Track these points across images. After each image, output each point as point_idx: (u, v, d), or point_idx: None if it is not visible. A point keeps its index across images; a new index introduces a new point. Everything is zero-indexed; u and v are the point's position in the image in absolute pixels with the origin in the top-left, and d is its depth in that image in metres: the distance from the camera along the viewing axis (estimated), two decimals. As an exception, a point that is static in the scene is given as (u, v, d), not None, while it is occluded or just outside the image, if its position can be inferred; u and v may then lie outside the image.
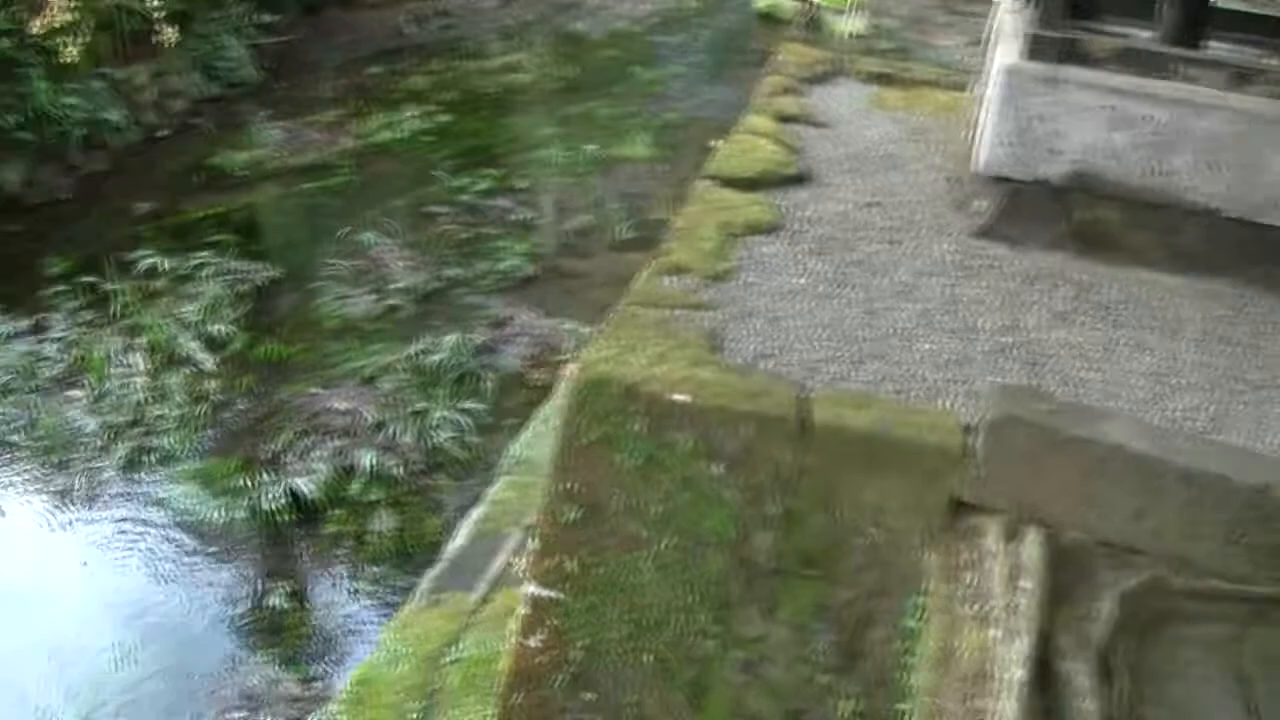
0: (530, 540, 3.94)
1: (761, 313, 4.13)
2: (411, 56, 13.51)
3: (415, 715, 4.74)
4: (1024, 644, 3.21)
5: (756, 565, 3.67)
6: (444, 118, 11.46)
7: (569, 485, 3.69)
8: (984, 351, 4.09)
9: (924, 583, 3.53)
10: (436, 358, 7.63)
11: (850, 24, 12.72)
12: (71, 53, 10.48)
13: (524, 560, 3.98)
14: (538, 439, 6.33)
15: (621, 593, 3.76)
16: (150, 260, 8.90)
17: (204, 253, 9.02)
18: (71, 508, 6.92)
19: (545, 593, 3.80)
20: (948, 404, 3.74)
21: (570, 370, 4.25)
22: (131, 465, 7.11)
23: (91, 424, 7.42)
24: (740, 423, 3.57)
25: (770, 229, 4.69)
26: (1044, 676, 3.22)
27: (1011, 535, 3.47)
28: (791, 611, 3.69)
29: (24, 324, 8.33)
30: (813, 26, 13.07)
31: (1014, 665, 3.18)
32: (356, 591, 6.21)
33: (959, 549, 3.51)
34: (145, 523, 6.74)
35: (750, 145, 5.40)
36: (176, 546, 6.58)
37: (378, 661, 5.06)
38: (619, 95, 11.79)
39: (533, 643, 3.87)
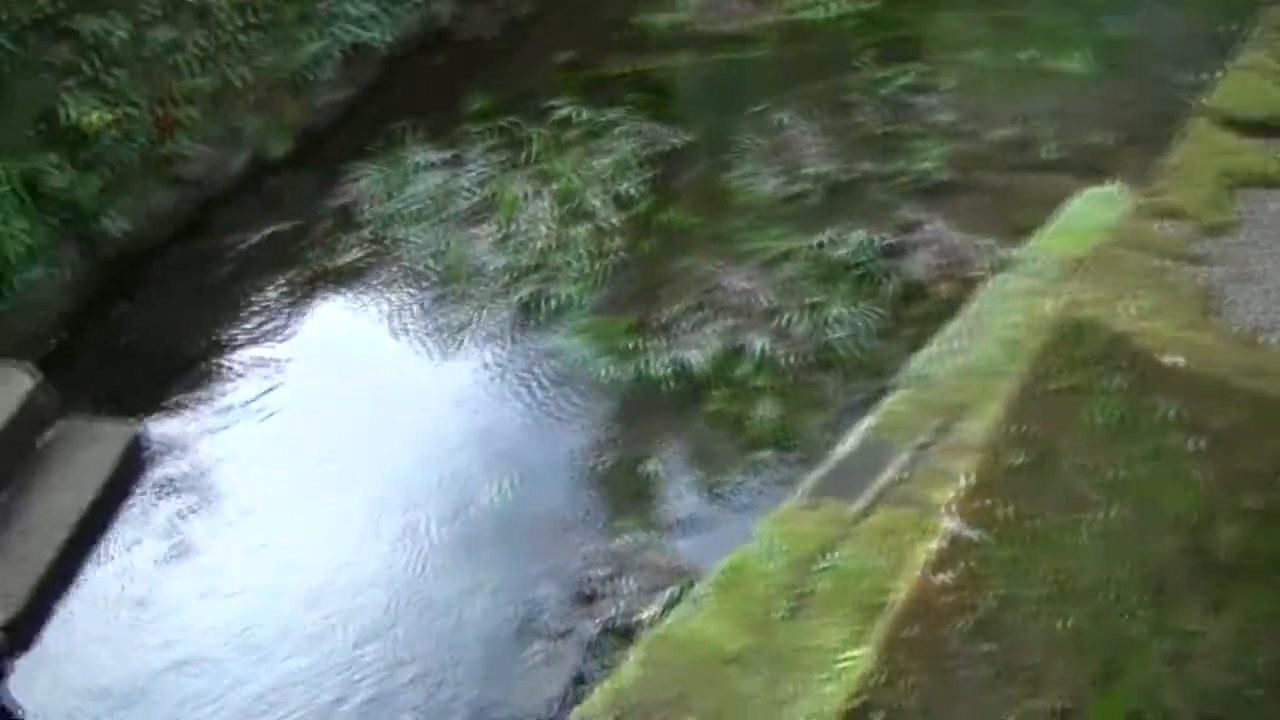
0: (964, 477, 3.73)
1: (1265, 278, 3.72)
2: (843, -64, 13.07)
3: (781, 614, 4.63)
4: None
5: (1213, 557, 3.34)
6: (870, 3, 11.01)
7: (1023, 429, 3.44)
8: None
9: None
10: (840, 252, 7.38)
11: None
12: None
13: (951, 494, 3.78)
14: (941, 357, 6.05)
15: (1052, 552, 3.51)
16: (566, 110, 8.97)
17: (618, 110, 8.99)
18: (466, 340, 7.15)
19: (969, 532, 3.59)
20: None
21: (1049, 307, 3.96)
22: (528, 309, 7.26)
23: (495, 262, 7.60)
24: (1235, 400, 3.22)
25: (1278, 183, 4.23)
26: None
27: None
28: (1241, 614, 3.34)
29: (443, 155, 8.59)
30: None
31: None
32: (730, 475, 6.13)
33: None
34: (535, 367, 6.88)
35: (1254, 85, 4.88)
36: (561, 397, 6.69)
37: (751, 552, 4.97)
38: (1060, 2, 11.02)
39: (941, 580, 3.68)
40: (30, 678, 5.41)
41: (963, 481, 3.69)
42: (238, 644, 5.54)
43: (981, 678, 3.65)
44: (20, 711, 5.30)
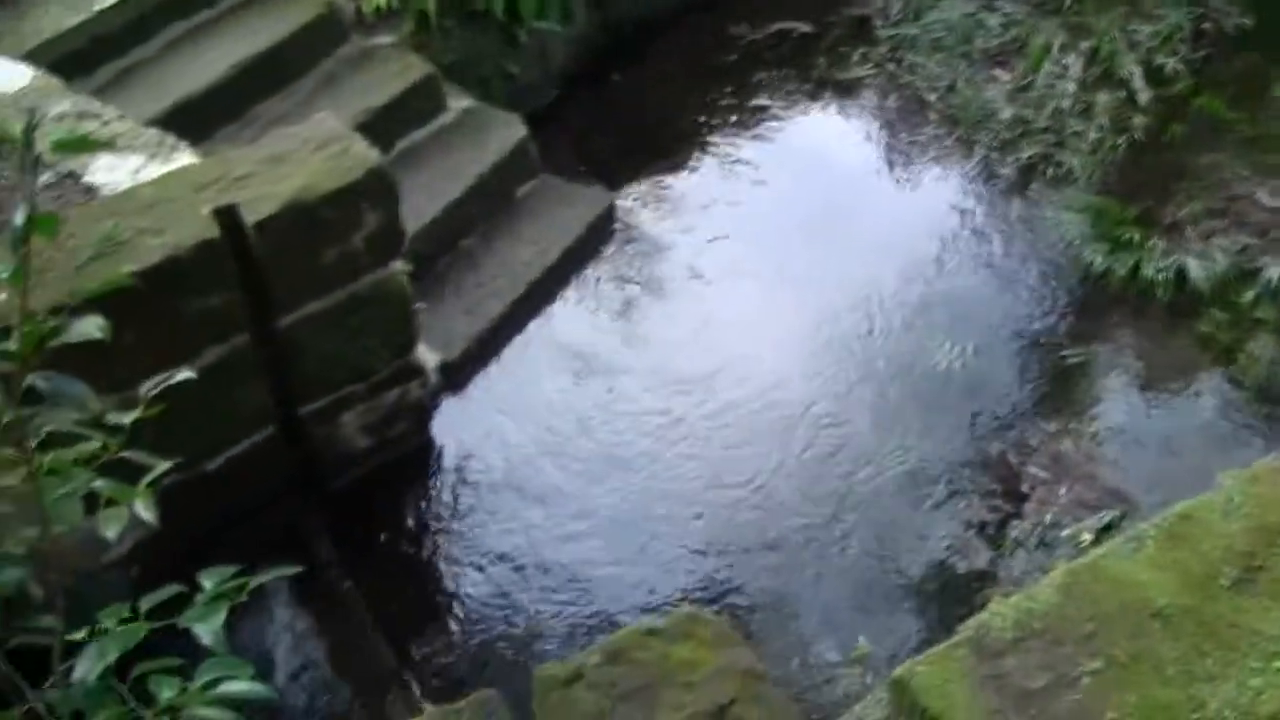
0: None
1: None
2: None
3: (1226, 583, 4.21)
4: None
5: None
6: None
7: None
8: None
9: None
10: (1397, 194, 6.46)
11: None
12: None
13: None
14: None
15: None
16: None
17: (1184, -27, 8.12)
18: (957, 188, 6.80)
19: None
20: None
21: None
22: (1028, 172, 6.78)
23: (1006, 112, 7.11)
24: None
25: None
26: None
27: None
28: None
29: (979, -14, 8.06)
30: None
31: None
32: (1204, 408, 5.62)
33: None
34: (1021, 236, 6.46)
35: None
36: (1042, 274, 6.25)
37: (1210, 505, 4.52)
38: None
39: None
40: (453, 418, 5.68)
41: None
42: (649, 435, 5.62)
43: None
44: (437, 446, 5.58)
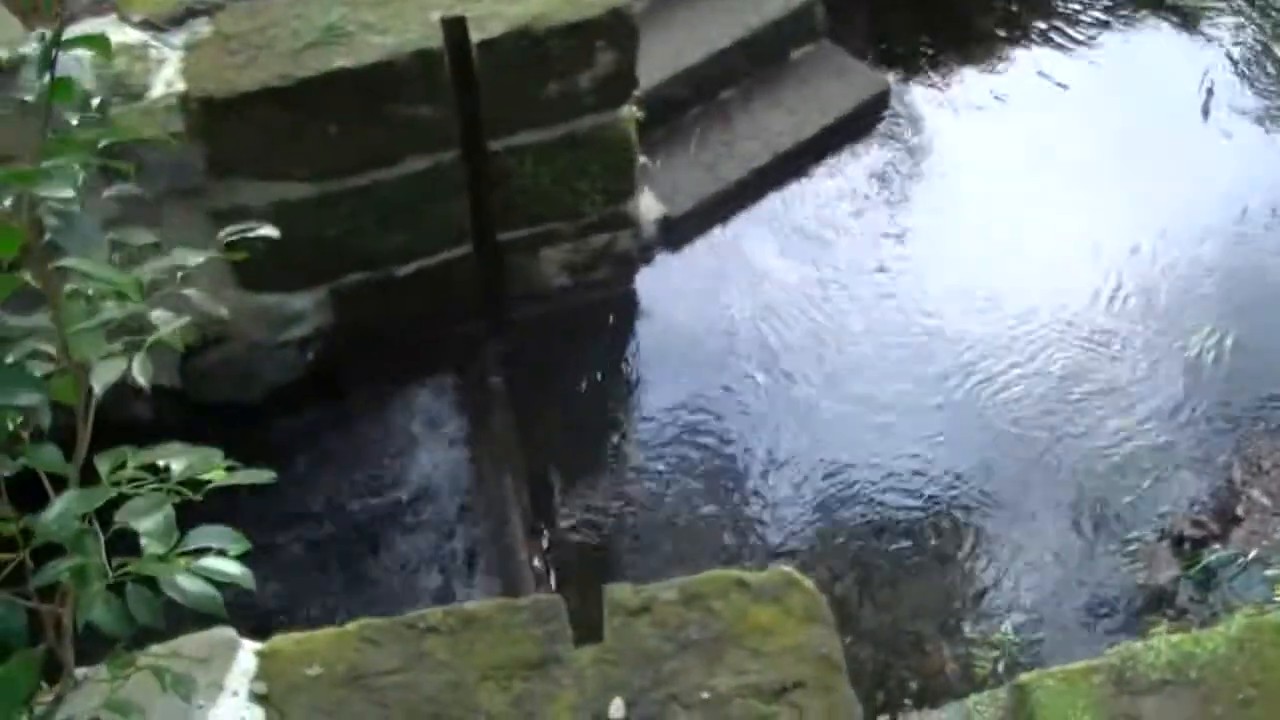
0: None
1: None
2: None
3: None
4: None
5: None
6: None
7: None
8: None
9: None
10: None
11: None
12: None
13: None
14: None
15: None
16: None
17: None
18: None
19: None
20: None
21: None
22: None
23: None
24: None
25: None
26: None
27: None
28: None
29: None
30: None
31: None
32: None
33: None
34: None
35: None
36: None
37: None
38: None
39: None
40: (661, 274, 5.48)
41: None
42: (859, 339, 5.32)
43: None
44: (636, 299, 5.39)
